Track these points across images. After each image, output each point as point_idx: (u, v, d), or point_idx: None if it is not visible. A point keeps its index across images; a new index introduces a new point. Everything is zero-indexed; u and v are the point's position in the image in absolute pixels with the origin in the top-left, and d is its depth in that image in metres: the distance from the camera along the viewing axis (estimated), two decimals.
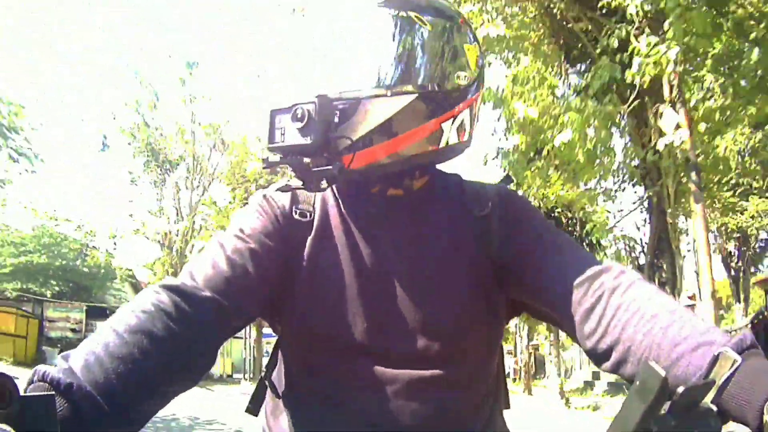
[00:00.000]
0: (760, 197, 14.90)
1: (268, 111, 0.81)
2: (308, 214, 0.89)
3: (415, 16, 0.85)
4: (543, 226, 0.90)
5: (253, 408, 0.93)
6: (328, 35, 0.88)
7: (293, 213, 0.89)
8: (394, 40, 0.84)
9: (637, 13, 6.21)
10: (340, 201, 0.91)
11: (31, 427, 0.48)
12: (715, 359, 0.57)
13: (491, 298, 0.88)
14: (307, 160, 0.80)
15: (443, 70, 0.86)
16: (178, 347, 0.68)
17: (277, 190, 0.89)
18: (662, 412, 0.46)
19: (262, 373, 0.94)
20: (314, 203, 0.91)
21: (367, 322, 0.84)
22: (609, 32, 6.85)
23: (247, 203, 0.93)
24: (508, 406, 1.00)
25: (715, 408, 0.52)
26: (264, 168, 0.84)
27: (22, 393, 0.49)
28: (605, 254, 10.52)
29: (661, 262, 9.26)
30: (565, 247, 0.86)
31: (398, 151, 0.84)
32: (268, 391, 0.94)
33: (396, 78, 0.83)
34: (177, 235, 20.63)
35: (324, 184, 0.82)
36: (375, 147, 0.82)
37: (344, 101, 0.80)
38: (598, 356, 0.75)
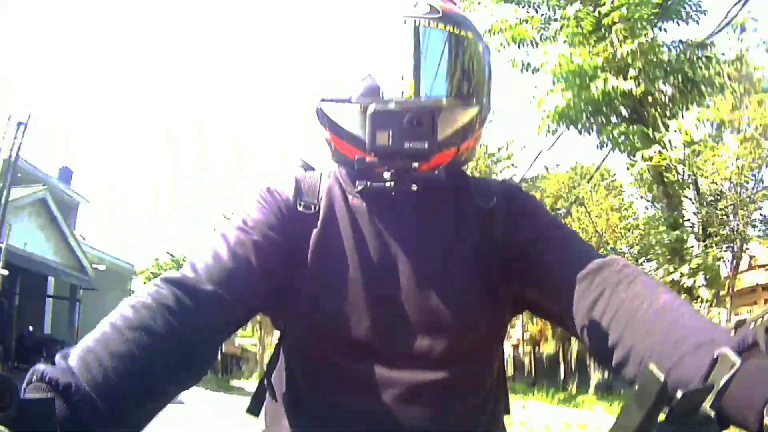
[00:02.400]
0: None
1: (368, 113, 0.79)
2: (313, 207, 0.88)
3: (473, 35, 0.89)
4: (548, 219, 0.90)
5: (254, 409, 0.92)
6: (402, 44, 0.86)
7: (297, 205, 0.88)
8: (460, 55, 0.87)
9: None
10: (347, 194, 0.90)
11: (30, 430, 0.48)
12: (715, 361, 0.56)
13: (497, 293, 0.88)
14: (415, 164, 0.80)
15: (488, 87, 0.92)
16: (179, 343, 0.67)
17: (358, 192, 0.86)
18: (661, 417, 0.46)
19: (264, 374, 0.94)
20: (319, 196, 0.90)
21: (372, 319, 0.84)
22: None
23: None
24: (508, 411, 1.00)
25: (713, 413, 0.51)
26: (358, 168, 0.82)
27: (21, 393, 0.49)
28: None
29: None
30: (569, 241, 0.86)
31: (459, 157, 0.90)
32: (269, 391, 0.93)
33: (465, 89, 0.88)
34: None
35: (415, 187, 0.82)
36: (448, 151, 0.87)
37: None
38: (600, 355, 0.75)
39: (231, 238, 0.81)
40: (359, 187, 0.84)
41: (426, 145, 0.78)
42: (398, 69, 0.84)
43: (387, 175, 0.81)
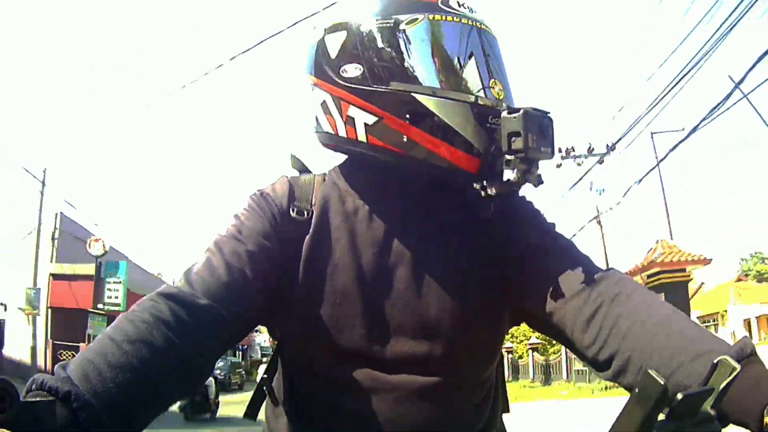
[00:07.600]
0: None
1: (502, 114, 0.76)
2: (305, 213, 0.88)
3: (483, 26, 0.86)
4: (545, 228, 0.90)
5: (251, 413, 0.92)
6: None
7: (290, 211, 0.87)
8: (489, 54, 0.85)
9: None
10: (342, 199, 0.89)
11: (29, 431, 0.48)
12: (715, 367, 0.57)
13: (495, 302, 0.88)
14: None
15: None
16: (177, 356, 0.67)
17: (498, 189, 0.80)
18: (661, 418, 0.46)
19: (262, 378, 0.93)
20: (312, 201, 0.89)
21: (366, 326, 0.83)
22: None
23: None
24: (507, 410, 1.00)
25: (714, 414, 0.52)
26: (490, 168, 0.79)
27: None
28: None
29: None
30: (567, 252, 0.86)
31: None
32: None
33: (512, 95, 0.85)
34: None
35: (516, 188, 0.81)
36: None
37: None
38: (598, 366, 0.75)
39: (226, 249, 0.80)
40: (492, 191, 0.79)
41: (550, 151, 0.77)
42: (486, 74, 0.83)
43: (511, 175, 0.77)
